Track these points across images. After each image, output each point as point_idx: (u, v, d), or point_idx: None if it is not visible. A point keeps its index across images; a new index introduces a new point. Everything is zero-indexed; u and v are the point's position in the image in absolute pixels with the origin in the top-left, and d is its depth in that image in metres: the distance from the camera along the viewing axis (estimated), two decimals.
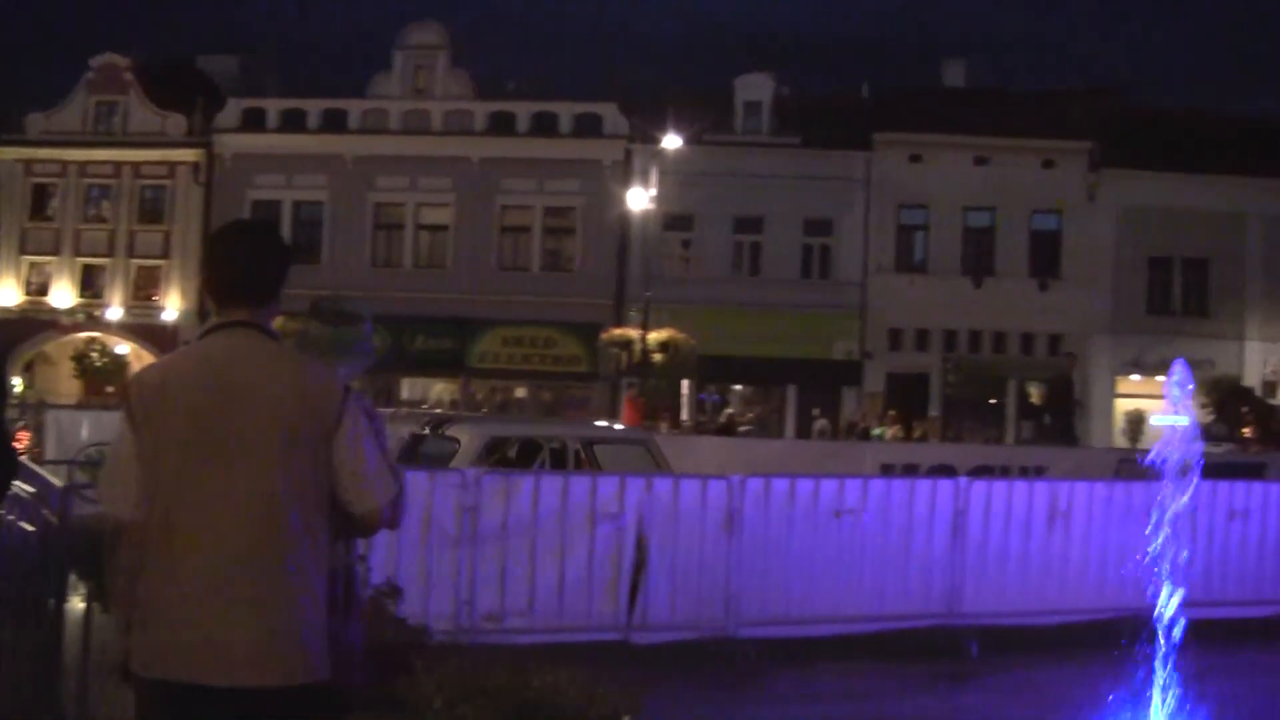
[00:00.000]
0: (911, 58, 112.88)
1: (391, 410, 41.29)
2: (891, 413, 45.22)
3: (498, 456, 17.92)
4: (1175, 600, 10.71)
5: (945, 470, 17.43)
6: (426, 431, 19.56)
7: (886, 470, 21.51)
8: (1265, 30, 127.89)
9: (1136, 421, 50.38)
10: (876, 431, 42.01)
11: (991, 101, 52.02)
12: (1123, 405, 51.89)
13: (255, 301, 4.42)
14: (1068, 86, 55.79)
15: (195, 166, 53.59)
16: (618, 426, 30.64)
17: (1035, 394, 52.05)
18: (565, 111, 52.50)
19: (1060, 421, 49.59)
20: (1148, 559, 9.88)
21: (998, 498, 14.78)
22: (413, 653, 8.12)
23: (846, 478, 14.57)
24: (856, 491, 14.29)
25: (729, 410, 48.19)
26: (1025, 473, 27.05)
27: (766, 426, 49.93)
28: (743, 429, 41.70)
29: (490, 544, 12.91)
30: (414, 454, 18.40)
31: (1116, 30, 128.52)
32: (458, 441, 17.91)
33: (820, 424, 49.31)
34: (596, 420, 37.63)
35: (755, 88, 52.76)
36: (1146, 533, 9.96)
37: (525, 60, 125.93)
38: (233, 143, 53.58)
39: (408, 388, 52.27)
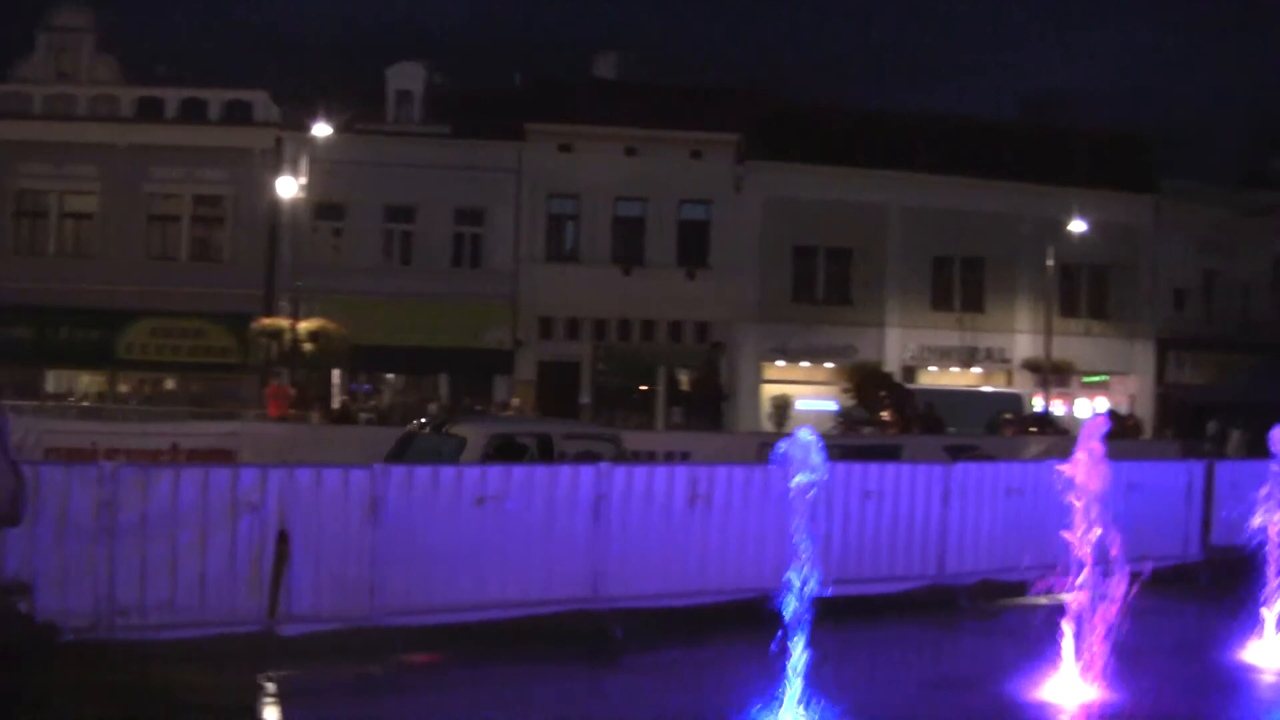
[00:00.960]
0: (564, 49, 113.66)
1: (36, 403, 40.05)
2: (516, 401, 45.42)
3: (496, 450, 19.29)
4: (813, 579, 11.04)
5: (591, 457, 17.60)
6: (427, 430, 21.33)
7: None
8: (905, 26, 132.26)
9: (783, 406, 51.63)
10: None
11: (642, 94, 52.66)
12: (769, 391, 53.16)
13: None
14: (717, 80, 56.97)
15: None
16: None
17: (684, 380, 52.93)
18: (215, 98, 51.20)
19: (707, 407, 50.59)
20: (787, 540, 10.13)
21: (638, 482, 15.00)
22: (29, 650, 7.92)
23: (489, 465, 14.63)
24: (499, 478, 14.33)
25: (343, 397, 47.56)
26: (671, 458, 27.46)
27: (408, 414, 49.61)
28: (364, 417, 41.36)
29: (130, 538, 12.61)
30: (408, 451, 19.99)
31: (765, 26, 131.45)
32: (464, 439, 19.43)
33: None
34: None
35: (407, 77, 52.38)
36: (785, 515, 10.22)
37: (175, 46, 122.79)
38: None
39: (53, 380, 50.53)
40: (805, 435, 10.47)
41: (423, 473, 14.01)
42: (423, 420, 24.99)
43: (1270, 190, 58.17)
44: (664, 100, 52.16)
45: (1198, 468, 20.64)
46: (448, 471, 14.16)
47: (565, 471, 14.89)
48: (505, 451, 19.53)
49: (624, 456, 19.92)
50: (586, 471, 14.81)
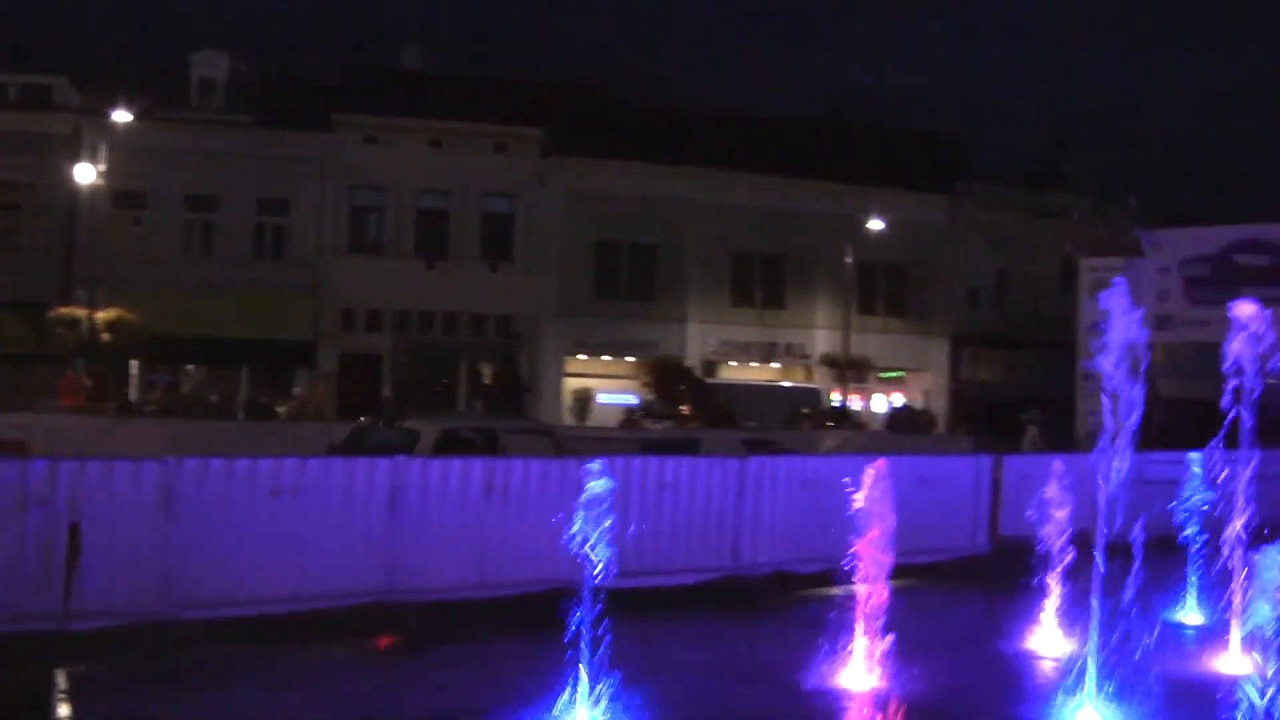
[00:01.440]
0: (372, 41, 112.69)
1: None
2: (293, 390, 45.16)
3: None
4: (608, 571, 11.20)
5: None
6: (380, 424, 22.91)
7: (335, 450, 21.60)
8: (712, 26, 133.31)
9: (584, 400, 51.88)
10: None
11: (448, 86, 52.65)
12: (571, 384, 53.39)
13: None
14: (524, 75, 56.89)
15: None
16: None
17: (486, 374, 52.95)
18: (12, 82, 50.09)
19: (509, 400, 50.67)
20: (582, 532, 10.27)
21: (434, 475, 15.10)
22: None
23: (285, 457, 14.56)
24: (294, 470, 14.33)
25: (132, 390, 46.80)
26: (479, 451, 27.53)
27: (214, 407, 48.97)
28: (149, 409, 40.77)
29: None
30: (360, 445, 20.86)
31: (573, 20, 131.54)
32: (416, 433, 20.53)
33: (282, 407, 48.67)
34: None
35: (210, 64, 51.76)
36: (582, 507, 10.36)
37: None
38: None
39: None
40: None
41: (217, 465, 13.93)
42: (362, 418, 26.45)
43: (1062, 191, 59.68)
44: (470, 93, 52.23)
45: (986, 462, 21.20)
46: (242, 463, 14.08)
47: (361, 464, 14.92)
48: (453, 445, 20.40)
49: (560, 447, 21.12)
50: (383, 464, 14.86)
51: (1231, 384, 13.25)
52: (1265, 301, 34.94)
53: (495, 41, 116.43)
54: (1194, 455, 22.33)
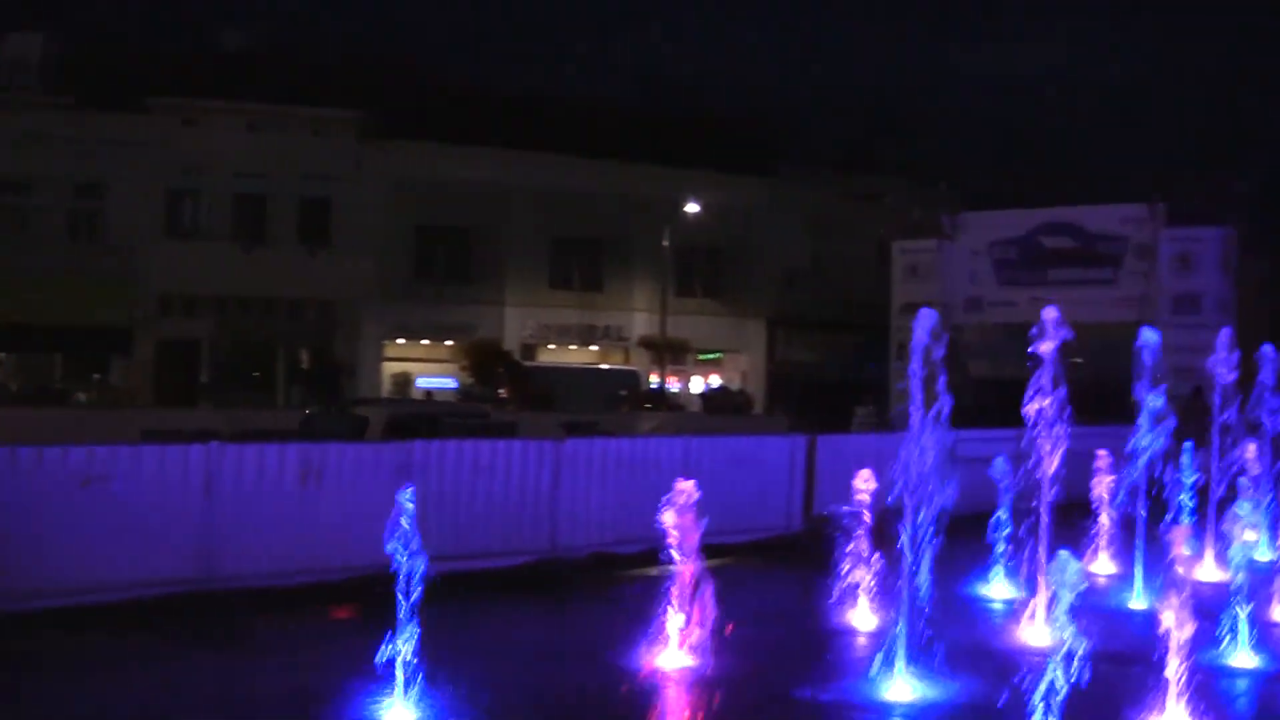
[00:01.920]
0: (189, 22, 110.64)
1: None
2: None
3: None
4: (424, 555, 11.19)
5: (210, 435, 17.45)
6: (332, 410, 25.12)
7: (150, 437, 21.25)
8: (533, 8, 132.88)
9: (404, 384, 51.75)
10: None
11: (266, 69, 52.00)
12: (391, 368, 53.18)
13: None
14: (341, 57, 56.31)
15: None
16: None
17: (305, 359, 52.52)
18: None
19: (327, 385, 50.27)
20: (399, 515, 10.25)
21: (249, 461, 14.98)
22: None
23: (96, 445, 14.33)
24: (106, 458, 14.12)
25: None
26: (290, 436, 27.26)
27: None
28: None
29: None
30: (310, 432, 22.10)
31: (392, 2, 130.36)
32: (366, 419, 22.56)
33: (82, 395, 47.78)
34: None
35: (23, 45, 50.69)
36: (397, 491, 10.33)
37: None
38: None
39: None
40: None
41: (26, 454, 13.69)
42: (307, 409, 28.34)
43: (877, 174, 60.53)
44: (288, 76, 51.60)
45: (800, 442, 21.43)
46: (52, 452, 13.84)
47: (174, 451, 14.74)
48: (401, 429, 22.11)
49: (491, 429, 23.19)
50: (196, 451, 14.70)
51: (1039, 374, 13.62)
52: (1069, 282, 35.74)
53: (315, 25, 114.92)
54: (1004, 434, 22.92)
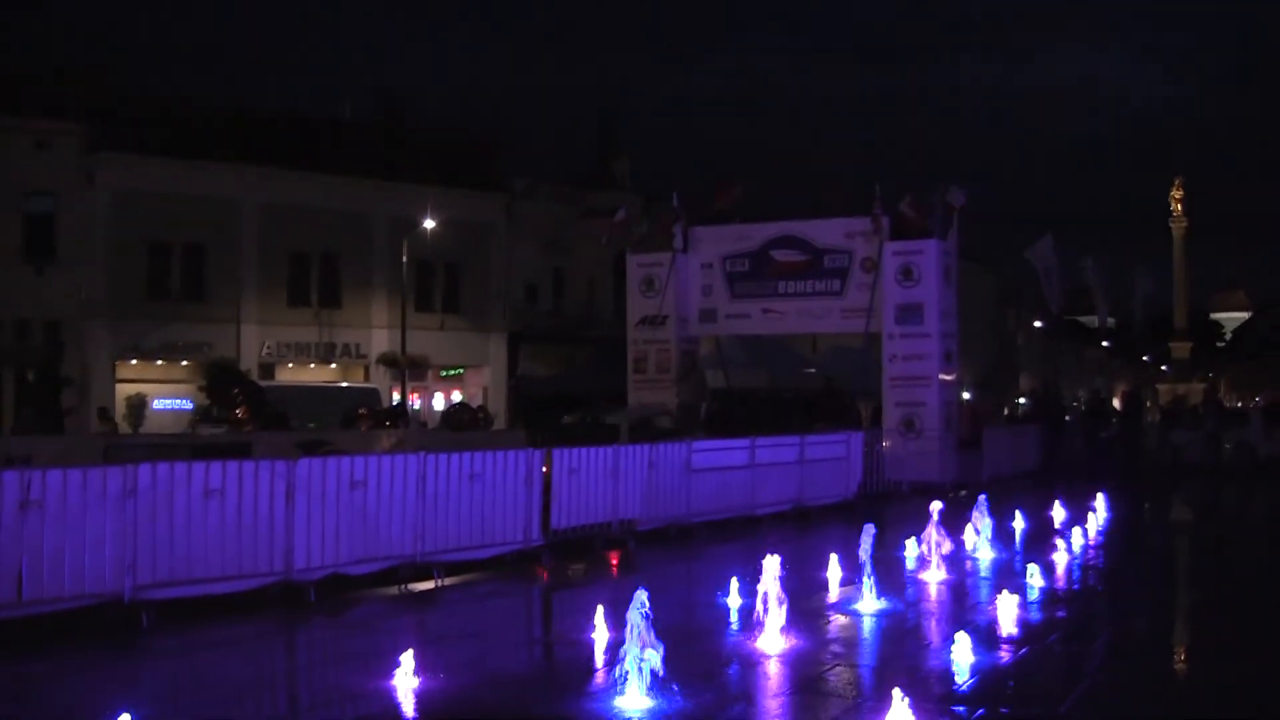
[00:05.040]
0: None
1: None
2: None
3: None
4: (156, 581, 10.99)
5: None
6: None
7: None
8: (267, 24, 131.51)
9: (138, 406, 50.58)
10: None
11: None
12: (124, 389, 51.98)
13: None
14: (64, 66, 54.86)
15: None
16: None
17: (31, 381, 51.06)
18: None
19: (50, 408, 48.92)
20: (125, 542, 10.07)
21: None
22: None
23: None
24: None
25: None
26: (13, 462, 26.42)
27: None
28: None
29: None
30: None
31: (116, 12, 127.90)
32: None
33: None
34: None
35: None
36: (124, 517, 10.13)
37: None
38: None
39: None
40: None
41: None
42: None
43: (613, 190, 61.16)
44: (10, 87, 50.06)
45: (536, 456, 21.45)
46: None
47: None
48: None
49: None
50: None
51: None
52: (800, 294, 36.49)
53: (46, 32, 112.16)
54: (737, 444, 23.30)
